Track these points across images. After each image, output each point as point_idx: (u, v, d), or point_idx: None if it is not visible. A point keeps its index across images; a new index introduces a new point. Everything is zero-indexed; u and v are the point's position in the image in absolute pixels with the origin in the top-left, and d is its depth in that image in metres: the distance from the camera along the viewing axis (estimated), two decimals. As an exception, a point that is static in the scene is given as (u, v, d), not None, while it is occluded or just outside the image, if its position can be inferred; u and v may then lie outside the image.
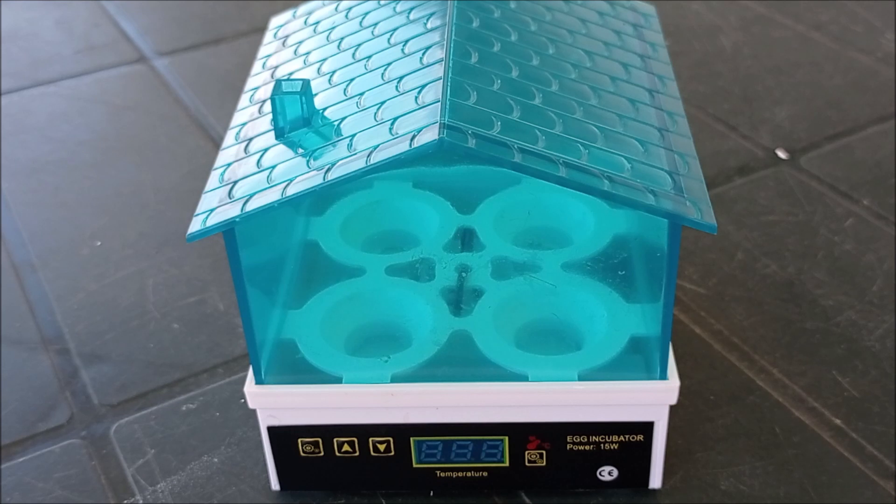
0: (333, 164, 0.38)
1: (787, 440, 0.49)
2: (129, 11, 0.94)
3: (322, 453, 0.45)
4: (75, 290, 0.60)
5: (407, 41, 0.45)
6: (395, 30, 0.46)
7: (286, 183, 0.38)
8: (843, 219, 0.63)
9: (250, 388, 0.43)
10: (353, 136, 0.39)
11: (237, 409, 0.52)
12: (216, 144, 0.73)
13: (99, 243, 0.64)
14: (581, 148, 0.39)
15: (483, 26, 0.45)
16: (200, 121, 0.77)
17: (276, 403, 0.44)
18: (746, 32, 0.85)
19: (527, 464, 0.45)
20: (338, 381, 0.43)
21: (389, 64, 0.44)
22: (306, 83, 0.42)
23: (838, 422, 0.50)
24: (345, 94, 0.43)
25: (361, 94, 0.42)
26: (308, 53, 0.49)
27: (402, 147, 0.37)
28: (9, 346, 0.57)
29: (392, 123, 0.39)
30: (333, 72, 0.46)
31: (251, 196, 0.39)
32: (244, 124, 0.45)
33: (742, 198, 0.65)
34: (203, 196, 0.41)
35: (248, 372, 0.44)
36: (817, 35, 0.84)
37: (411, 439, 0.44)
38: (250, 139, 0.43)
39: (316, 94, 0.44)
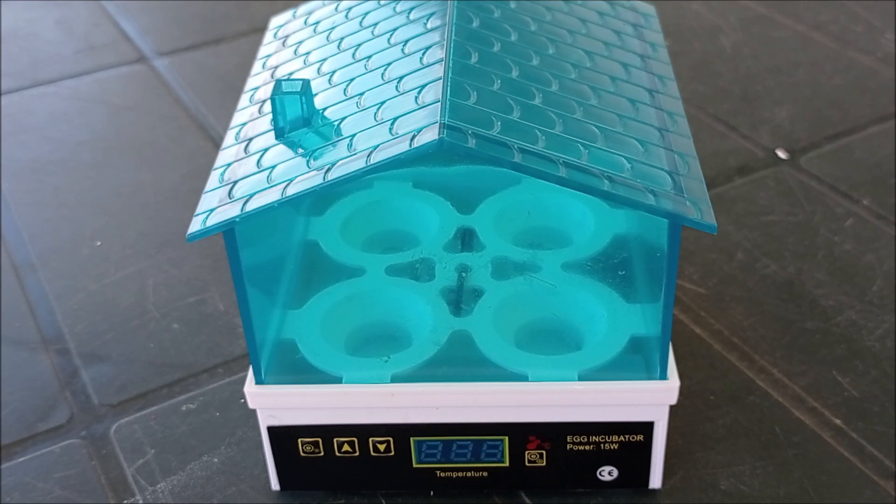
0: (333, 164, 0.38)
1: (787, 440, 0.49)
2: (129, 11, 0.94)
3: (322, 453, 0.45)
4: (75, 290, 0.60)
5: (407, 41, 0.45)
6: (395, 30, 0.46)
7: (286, 183, 0.38)
8: (843, 219, 0.63)
9: (250, 388, 0.43)
10: (353, 136, 0.39)
11: (237, 409, 0.52)
12: (216, 144, 0.73)
13: (99, 243, 0.64)
14: (581, 148, 0.39)
15: (483, 26, 0.45)
16: (200, 121, 0.77)
17: (276, 403, 0.44)
18: (746, 32, 0.85)
19: (527, 464, 0.45)
20: (338, 381, 0.43)
21: (389, 64, 0.44)
22: (306, 83, 0.42)
23: (838, 422, 0.50)
24: (345, 94, 0.43)
25: (361, 94, 0.42)
26: (308, 53, 0.49)
27: (402, 147, 0.37)
28: (9, 346, 0.57)
29: (392, 123, 0.39)
30: (333, 72, 0.46)
31: (251, 196, 0.39)
32: (244, 124, 0.45)
33: (742, 198, 0.65)
34: (203, 196, 0.41)
35: (248, 372, 0.44)
36: (817, 35, 0.84)
37: (411, 439, 0.44)
38: (250, 139, 0.43)
39: (316, 94, 0.44)
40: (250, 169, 0.41)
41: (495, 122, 0.38)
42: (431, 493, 0.46)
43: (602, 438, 0.44)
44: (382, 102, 0.41)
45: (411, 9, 0.47)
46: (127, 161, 0.72)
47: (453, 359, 0.44)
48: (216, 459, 0.49)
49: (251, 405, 0.44)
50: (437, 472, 0.46)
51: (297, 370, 0.44)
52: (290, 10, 0.55)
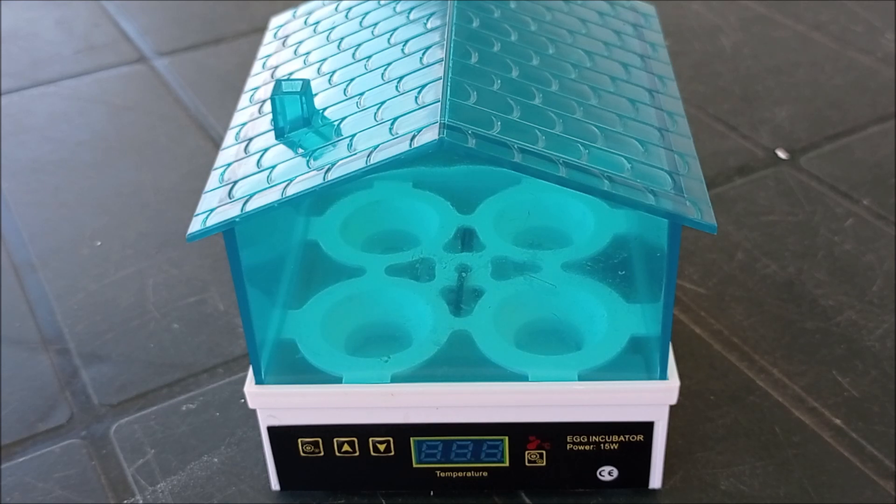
0: (333, 164, 0.38)
1: (787, 440, 0.49)
2: (129, 11, 0.94)
3: (322, 453, 0.45)
4: (75, 290, 0.60)
5: (407, 41, 0.45)
6: (395, 30, 0.46)
7: (286, 183, 0.38)
8: (843, 219, 0.63)
9: (250, 388, 0.43)
10: (353, 136, 0.39)
11: (237, 409, 0.52)
12: (216, 144, 0.73)
13: (99, 243, 0.64)
14: (581, 148, 0.39)
15: (483, 26, 0.45)
16: (200, 121, 0.77)
17: (276, 403, 0.44)
18: (746, 32, 0.85)
19: (527, 464, 0.45)
20: (338, 381, 0.43)
21: (389, 64, 0.44)
22: (306, 83, 0.42)
23: (838, 422, 0.50)
24: (345, 94, 0.43)
25: (361, 94, 0.42)
26: (308, 53, 0.49)
27: (402, 147, 0.37)
28: (9, 346, 0.57)
29: (392, 123, 0.39)
30: (333, 72, 0.46)
31: (251, 196, 0.39)
32: (244, 124, 0.45)
33: (742, 198, 0.65)
34: (203, 196, 0.41)
35: (248, 372, 0.44)
36: (817, 35, 0.84)
37: (411, 439, 0.44)
38: (250, 139, 0.43)
39: (316, 94, 0.44)
40: (250, 169, 0.41)
41: (495, 122, 0.38)
42: (431, 493, 0.46)
43: (602, 438, 0.44)
44: (382, 102, 0.41)
45: (411, 9, 0.47)
46: (127, 161, 0.72)
47: (453, 359, 0.44)
48: (216, 459, 0.49)
49: (251, 405, 0.44)
50: (437, 472, 0.46)
51: (297, 370, 0.44)
52: (290, 10, 0.55)
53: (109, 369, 0.55)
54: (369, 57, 0.45)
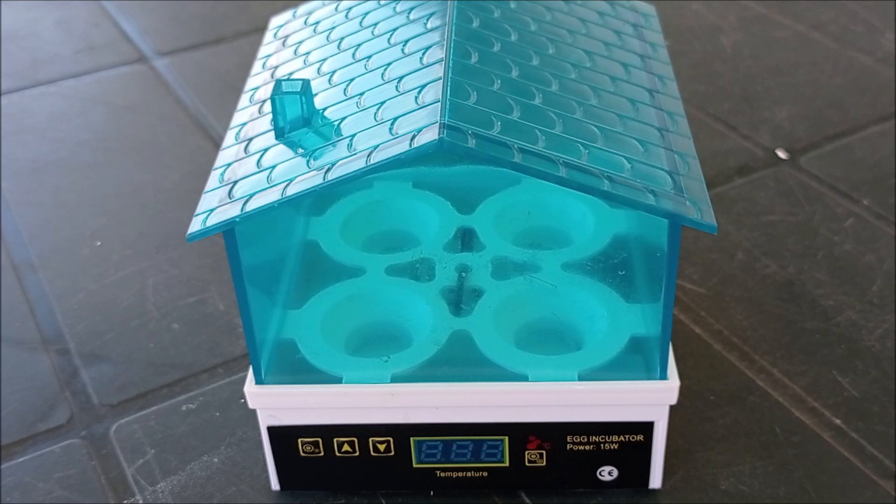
0: (333, 164, 0.38)
1: (787, 440, 0.49)
2: (129, 11, 0.94)
3: (322, 453, 0.45)
4: (75, 290, 0.60)
5: (407, 41, 0.45)
6: (395, 30, 0.46)
7: (286, 183, 0.38)
8: (843, 219, 0.63)
9: (250, 388, 0.43)
10: (353, 136, 0.39)
11: (237, 409, 0.52)
12: (216, 144, 0.73)
13: (99, 243, 0.64)
14: (581, 148, 0.39)
15: (483, 26, 0.45)
16: (200, 121, 0.77)
17: (276, 403, 0.44)
18: (746, 32, 0.85)
19: (527, 464, 0.45)
20: (338, 381, 0.43)
21: (389, 64, 0.44)
22: (306, 83, 0.42)
23: (838, 422, 0.50)
24: (345, 94, 0.43)
25: (361, 94, 0.42)
26: (308, 53, 0.49)
27: (402, 147, 0.37)
28: (9, 346, 0.57)
29: (392, 123, 0.39)
30: (333, 72, 0.46)
31: (251, 196, 0.39)
32: (244, 124, 0.45)
33: (742, 198, 0.65)
34: (203, 196, 0.41)
35: (248, 372, 0.44)
36: (817, 35, 0.84)
37: (411, 439, 0.44)
38: (250, 139, 0.43)
39: (316, 94, 0.44)
40: (250, 169, 0.41)
41: (495, 122, 0.38)
42: (431, 493, 0.46)
43: (602, 438, 0.44)
44: (382, 102, 0.41)
45: (411, 9, 0.47)
46: (127, 161, 0.72)
47: (453, 359, 0.44)
48: (216, 459, 0.49)
49: (251, 405, 0.44)
50: (437, 472, 0.46)
51: (297, 370, 0.44)
52: (290, 10, 0.55)
53: (109, 369, 0.55)
54: (369, 57, 0.45)
